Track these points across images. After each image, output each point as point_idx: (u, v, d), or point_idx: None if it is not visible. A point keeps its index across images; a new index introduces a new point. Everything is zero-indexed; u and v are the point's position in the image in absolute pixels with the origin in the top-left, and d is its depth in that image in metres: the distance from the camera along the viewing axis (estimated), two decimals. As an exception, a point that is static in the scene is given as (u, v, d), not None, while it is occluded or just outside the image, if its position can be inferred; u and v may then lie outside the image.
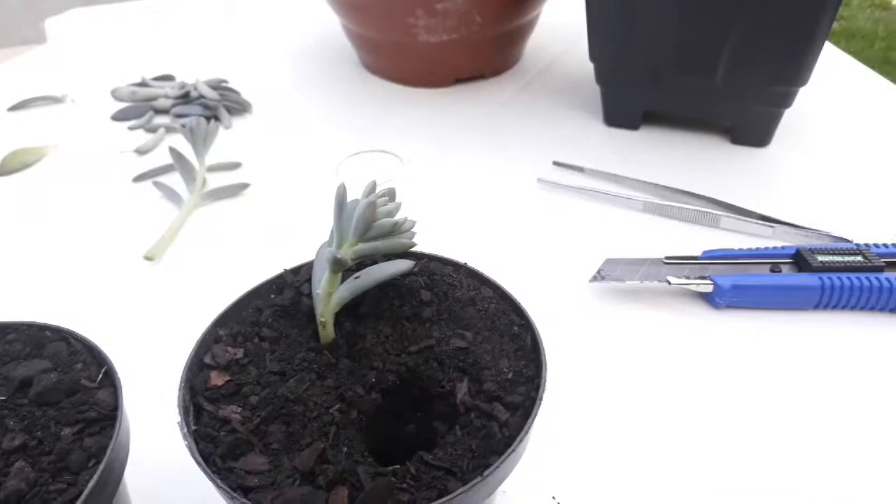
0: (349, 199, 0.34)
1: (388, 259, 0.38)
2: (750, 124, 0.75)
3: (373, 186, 0.33)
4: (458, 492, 0.28)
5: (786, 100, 0.72)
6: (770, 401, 0.48)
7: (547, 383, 0.33)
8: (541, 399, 0.32)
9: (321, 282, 0.34)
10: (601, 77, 0.78)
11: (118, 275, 0.60)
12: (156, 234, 0.63)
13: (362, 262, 0.37)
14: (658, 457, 0.44)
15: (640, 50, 0.73)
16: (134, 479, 0.36)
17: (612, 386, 0.49)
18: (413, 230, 0.35)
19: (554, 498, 0.42)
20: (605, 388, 0.49)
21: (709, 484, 0.42)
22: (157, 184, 0.70)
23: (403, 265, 0.37)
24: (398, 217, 0.33)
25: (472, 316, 0.37)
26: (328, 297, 0.34)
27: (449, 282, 0.39)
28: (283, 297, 0.38)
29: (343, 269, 0.33)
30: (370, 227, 0.33)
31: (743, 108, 0.74)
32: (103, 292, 0.58)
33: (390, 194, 0.34)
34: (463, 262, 0.40)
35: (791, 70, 0.69)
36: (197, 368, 0.35)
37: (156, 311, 0.56)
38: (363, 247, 0.33)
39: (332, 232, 0.35)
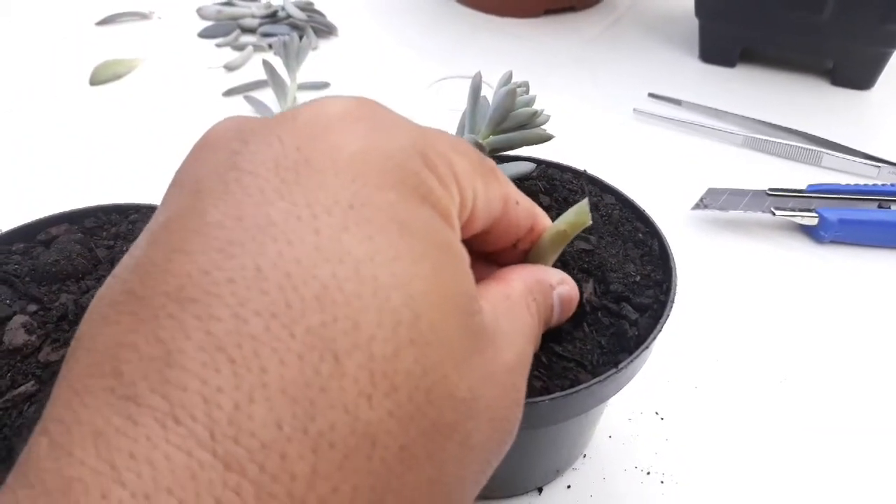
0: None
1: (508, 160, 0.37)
2: (854, 64, 0.72)
3: (509, 76, 0.33)
4: (592, 382, 0.28)
5: (897, 39, 0.69)
6: (872, 338, 0.46)
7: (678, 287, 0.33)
8: (672, 301, 0.32)
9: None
10: (702, 9, 0.75)
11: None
12: (248, 146, 0.63)
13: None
14: (757, 383, 0.43)
15: (746, -20, 0.70)
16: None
17: (713, 312, 0.48)
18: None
19: (657, 413, 0.41)
20: (706, 314, 0.48)
21: (807, 413, 0.42)
22: (248, 98, 0.70)
23: (525, 166, 0.36)
24: (536, 107, 0.33)
25: (595, 221, 0.36)
26: (453, 191, 0.34)
27: (569, 188, 0.38)
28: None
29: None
30: (507, 117, 0.32)
31: (849, 46, 0.71)
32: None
33: (525, 86, 0.33)
34: (583, 169, 0.40)
35: (907, 6, 0.65)
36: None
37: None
38: (496, 139, 0.33)
39: (460, 124, 0.34)
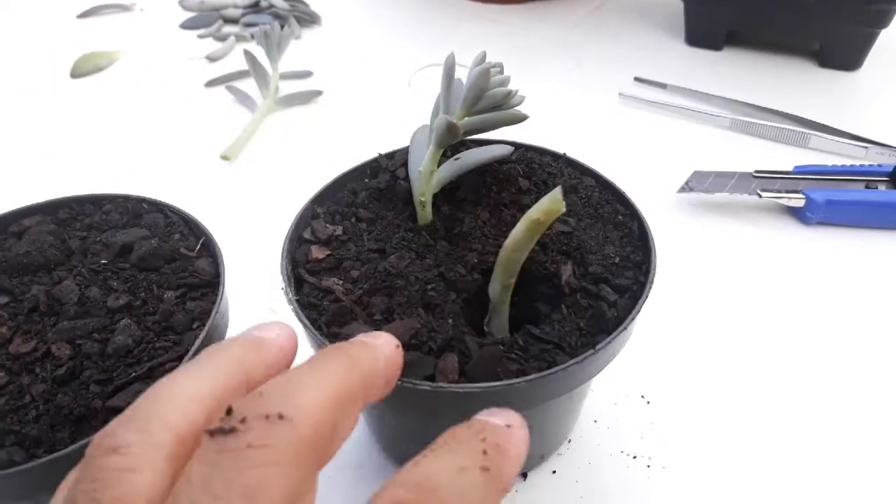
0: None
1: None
2: (841, 45, 0.72)
3: (483, 56, 0.32)
4: (569, 363, 0.28)
5: (883, 19, 0.68)
6: (860, 319, 0.46)
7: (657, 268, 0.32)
8: (651, 282, 0.31)
9: (422, 160, 0.33)
10: (687, -10, 0.75)
11: (197, 171, 0.60)
12: (230, 136, 0.62)
13: (457, 147, 0.36)
14: (742, 366, 0.43)
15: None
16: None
17: (699, 295, 0.48)
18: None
19: (643, 397, 0.41)
20: (692, 297, 0.47)
21: (793, 396, 0.41)
22: (230, 88, 0.70)
23: (504, 149, 0.36)
24: (510, 87, 0.32)
25: (575, 203, 0.36)
26: (429, 175, 0.33)
27: (548, 171, 0.38)
28: (379, 181, 0.38)
29: (454, 141, 0.32)
30: (481, 97, 0.31)
31: (836, 27, 0.70)
32: (184, 186, 0.58)
33: (499, 66, 0.32)
34: (562, 153, 0.39)
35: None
36: (297, 242, 0.34)
37: (237, 202, 0.56)
38: (471, 120, 0.32)
39: (434, 107, 0.34)
